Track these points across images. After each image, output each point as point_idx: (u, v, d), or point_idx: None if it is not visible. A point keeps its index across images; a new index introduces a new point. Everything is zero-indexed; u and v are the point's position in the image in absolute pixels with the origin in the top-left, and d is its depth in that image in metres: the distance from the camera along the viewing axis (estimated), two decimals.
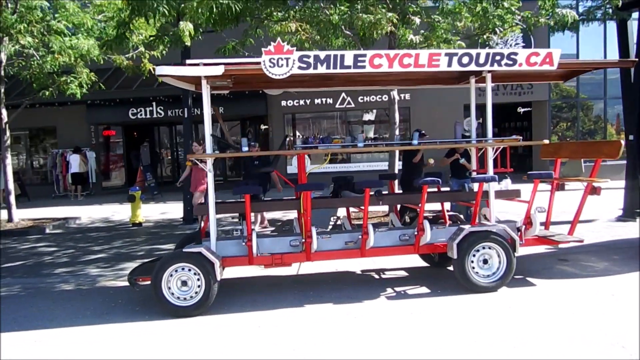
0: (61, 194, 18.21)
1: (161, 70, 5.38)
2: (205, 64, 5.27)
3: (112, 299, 5.88)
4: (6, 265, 7.96)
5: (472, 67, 5.27)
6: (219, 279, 5.10)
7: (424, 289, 5.74)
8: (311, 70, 5.10)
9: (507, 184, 6.13)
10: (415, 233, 5.59)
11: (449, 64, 5.23)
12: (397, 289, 5.81)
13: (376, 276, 6.44)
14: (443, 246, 5.69)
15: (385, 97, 17.25)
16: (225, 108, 17.89)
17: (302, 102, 17.55)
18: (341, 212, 10.57)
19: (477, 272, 5.47)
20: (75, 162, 17.11)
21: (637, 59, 5.61)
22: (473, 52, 5.25)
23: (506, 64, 5.29)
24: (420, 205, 5.58)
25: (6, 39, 10.21)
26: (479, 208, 5.81)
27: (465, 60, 5.23)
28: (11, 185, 11.58)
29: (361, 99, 17.22)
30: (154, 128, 22.21)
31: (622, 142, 5.55)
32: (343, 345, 4.25)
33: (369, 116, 18.42)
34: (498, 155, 7.39)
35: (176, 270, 5.11)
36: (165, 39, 9.18)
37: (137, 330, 4.81)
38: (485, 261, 5.51)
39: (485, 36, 9.30)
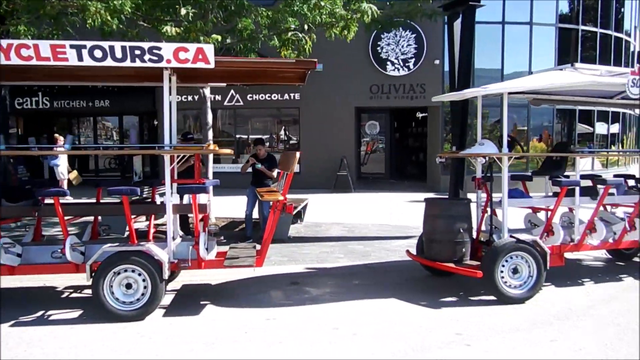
0: None
1: None
2: None
3: None
4: None
5: (109, 62, 4.57)
6: None
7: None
8: None
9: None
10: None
11: (80, 58, 4.54)
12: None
13: None
14: None
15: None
16: None
17: None
18: None
19: (116, 298, 4.80)
20: None
21: (314, 60, 4.93)
22: (106, 45, 4.56)
23: (150, 60, 4.61)
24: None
25: None
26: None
27: (98, 54, 4.55)
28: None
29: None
30: None
31: (297, 154, 4.91)
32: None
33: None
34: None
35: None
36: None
37: None
38: (128, 286, 4.83)
39: (290, 34, 8.61)
